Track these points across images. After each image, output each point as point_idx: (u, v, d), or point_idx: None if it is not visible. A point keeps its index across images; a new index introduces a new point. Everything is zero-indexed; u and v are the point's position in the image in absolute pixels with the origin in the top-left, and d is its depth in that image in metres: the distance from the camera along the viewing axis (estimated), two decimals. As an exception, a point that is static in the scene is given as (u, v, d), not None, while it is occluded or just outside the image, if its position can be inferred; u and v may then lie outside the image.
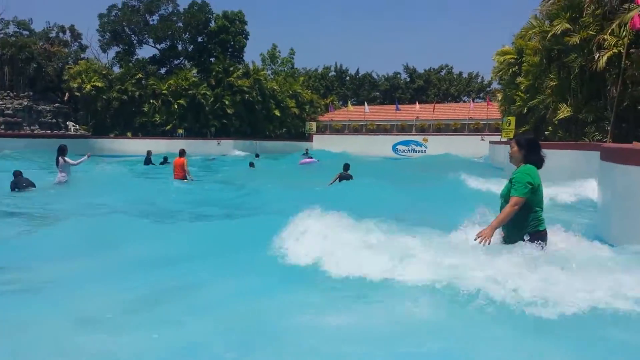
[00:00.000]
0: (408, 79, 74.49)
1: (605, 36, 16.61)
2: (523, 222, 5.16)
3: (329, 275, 5.58)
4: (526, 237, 5.09)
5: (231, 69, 48.78)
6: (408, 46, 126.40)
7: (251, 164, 24.71)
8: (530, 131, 25.76)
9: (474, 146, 44.02)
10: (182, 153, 18.00)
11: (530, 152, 5.35)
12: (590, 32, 17.67)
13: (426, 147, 47.92)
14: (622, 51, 15.49)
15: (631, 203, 7.03)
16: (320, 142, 51.75)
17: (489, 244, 5.04)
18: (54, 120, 43.21)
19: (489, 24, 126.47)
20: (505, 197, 5.29)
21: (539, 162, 5.34)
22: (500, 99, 35.23)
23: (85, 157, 15.51)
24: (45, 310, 4.81)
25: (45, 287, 5.59)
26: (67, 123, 44.11)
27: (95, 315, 4.67)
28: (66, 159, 14.75)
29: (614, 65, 16.60)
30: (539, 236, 5.15)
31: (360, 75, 76.75)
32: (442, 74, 73.39)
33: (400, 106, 53.98)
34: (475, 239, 5.07)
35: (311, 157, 29.83)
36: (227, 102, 47.25)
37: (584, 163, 13.82)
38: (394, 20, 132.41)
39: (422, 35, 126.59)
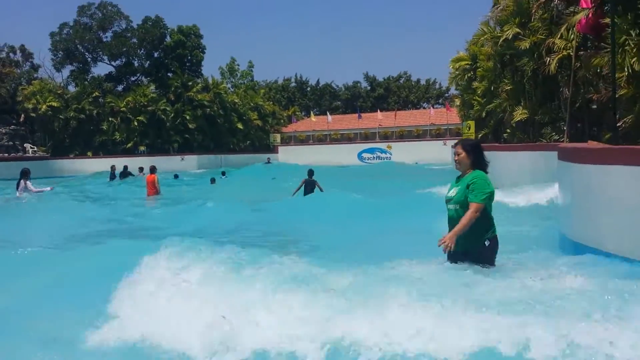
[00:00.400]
0: (369, 88, 75.27)
1: (554, 40, 17.09)
2: (482, 228, 5.15)
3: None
4: (487, 243, 5.16)
5: (190, 83, 48.49)
6: (367, 55, 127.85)
7: (212, 180, 24.50)
8: (489, 134, 26.35)
9: (436, 151, 44.72)
10: (153, 170, 18.58)
11: (478, 157, 5.33)
12: (540, 36, 18.17)
13: (391, 154, 48.49)
14: (571, 54, 15.95)
15: (590, 201, 7.26)
16: (285, 154, 51.75)
17: (452, 250, 5.01)
18: (11, 143, 42.13)
19: (443, 30, 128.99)
20: (462, 202, 5.21)
21: (486, 167, 5.35)
22: (458, 104, 35.87)
23: (48, 188, 15.11)
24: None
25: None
26: (25, 145, 43.05)
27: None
28: (28, 183, 14.35)
29: (565, 67, 17.09)
30: (496, 241, 5.29)
31: (320, 85, 77.18)
32: (401, 81, 74.38)
33: (362, 114, 54.55)
34: (439, 245, 5.04)
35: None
36: (188, 117, 46.89)
37: (542, 163, 14.21)
38: (352, 30, 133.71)
39: (380, 43, 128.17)
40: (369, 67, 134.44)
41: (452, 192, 5.40)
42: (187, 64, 52.57)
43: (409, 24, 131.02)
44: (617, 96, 11.42)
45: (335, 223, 11.11)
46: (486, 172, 5.33)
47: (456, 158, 5.41)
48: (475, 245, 5.17)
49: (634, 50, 11.58)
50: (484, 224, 5.17)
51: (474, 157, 5.32)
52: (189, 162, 44.00)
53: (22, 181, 14.32)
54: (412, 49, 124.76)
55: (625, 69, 11.83)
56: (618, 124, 11.35)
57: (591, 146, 8.37)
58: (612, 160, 6.62)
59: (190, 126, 46.97)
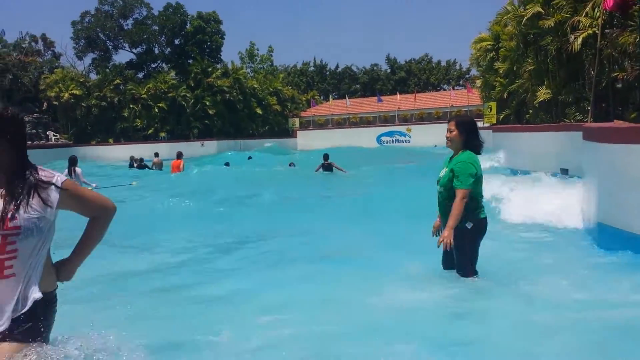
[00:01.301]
0: (389, 70, 74.64)
1: (579, 18, 16.74)
2: (465, 211, 4.91)
3: None
4: (469, 225, 4.97)
5: (210, 69, 48.49)
6: (389, 37, 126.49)
7: (227, 164, 24.34)
8: (511, 115, 26.00)
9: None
10: (180, 155, 20.65)
11: (471, 137, 5.08)
12: (565, 15, 17.81)
13: (410, 137, 48.09)
14: (597, 32, 15.62)
15: (614, 181, 7.13)
16: (305, 138, 51.68)
17: (453, 245, 4.85)
18: (34, 131, 42.67)
19: (463, 8, 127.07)
20: (445, 185, 5.05)
21: (479, 148, 5.13)
22: (479, 85, 35.39)
23: (94, 185, 14.63)
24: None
25: None
26: (47, 133, 43.62)
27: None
28: (78, 169, 13.53)
29: (590, 46, 16.75)
30: (480, 224, 5.07)
31: (340, 69, 76.76)
32: (423, 64, 73.57)
33: (382, 97, 54.06)
34: (439, 246, 4.87)
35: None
36: (207, 103, 46.99)
37: (567, 144, 13.99)
38: (373, 11, 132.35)
39: (401, 24, 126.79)
40: (391, 49, 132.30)
41: (441, 173, 5.20)
42: (207, 50, 52.52)
43: (430, 4, 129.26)
44: (643, 74, 11.15)
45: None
46: (479, 153, 5.13)
47: (448, 135, 5.17)
48: (458, 227, 4.93)
49: (662, 27, 11.29)
50: (469, 205, 4.95)
51: (466, 136, 5.08)
52: (209, 148, 44.23)
53: (72, 168, 13.63)
54: (433, 30, 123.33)
55: (653, 46, 11.55)
56: (644, 103, 11.11)
57: (617, 125, 8.21)
58: (638, 140, 6.49)
59: (210, 112, 47.05)
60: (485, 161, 19.73)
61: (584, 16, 16.60)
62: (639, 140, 6.53)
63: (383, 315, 4.48)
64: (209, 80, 47.55)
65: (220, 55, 54.19)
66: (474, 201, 5.02)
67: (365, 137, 48.58)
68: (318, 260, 6.80)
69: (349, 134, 50.25)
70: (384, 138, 49.57)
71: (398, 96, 52.86)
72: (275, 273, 6.35)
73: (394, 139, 49.11)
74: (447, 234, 4.82)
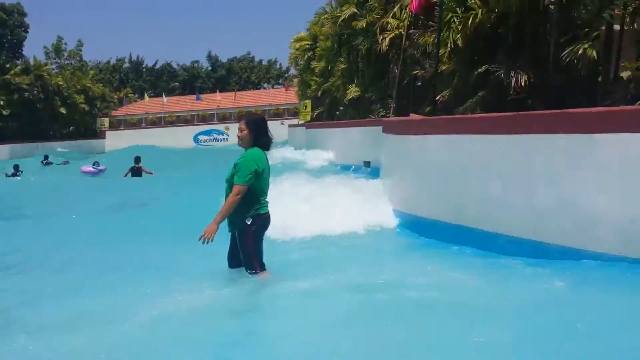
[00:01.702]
0: (210, 68, 73.35)
1: (388, 19, 17.52)
2: (245, 206, 4.99)
3: None
4: (248, 221, 5.02)
5: (7, 65, 43.75)
6: (211, 35, 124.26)
7: (15, 167, 21.67)
8: (324, 112, 26.72)
9: (274, 130, 44.43)
10: None
11: (259, 134, 5.20)
12: (376, 16, 18.60)
13: (228, 135, 47.60)
14: (402, 33, 16.44)
15: (408, 170, 7.35)
16: (114, 139, 48.39)
17: (212, 240, 4.82)
18: None
19: (286, 9, 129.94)
20: (229, 182, 5.09)
21: (267, 144, 5.25)
22: (297, 84, 36.11)
23: None
24: None
25: None
26: None
27: None
28: None
29: (397, 46, 17.60)
30: (261, 219, 5.11)
31: (158, 66, 73.60)
32: (244, 62, 73.52)
33: (201, 96, 53.06)
34: (200, 239, 4.79)
35: (97, 168, 22.39)
36: (2, 103, 42.03)
37: (371, 138, 14.50)
38: (196, 8, 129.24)
39: (225, 23, 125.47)
40: (213, 47, 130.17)
41: (228, 172, 5.27)
42: (7, 45, 47.56)
43: (254, 3, 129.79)
44: (439, 71, 11.80)
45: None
46: (267, 149, 5.27)
47: (239, 134, 5.24)
48: (238, 223, 5.06)
49: (459, 27, 11.96)
50: (249, 201, 5.02)
51: (255, 134, 5.20)
52: (1, 153, 39.20)
53: None
54: (256, 29, 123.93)
55: (448, 45, 12.22)
56: (437, 97, 11.75)
57: (411, 118, 8.42)
58: (428, 130, 6.68)
59: (4, 112, 42.14)
60: (299, 157, 20.10)
61: (392, 17, 17.41)
62: (430, 131, 6.66)
63: (158, 322, 4.20)
64: (6, 78, 42.68)
65: (22, 50, 49.47)
66: (254, 196, 5.06)
67: (182, 137, 47.18)
68: (91, 273, 6.25)
69: (164, 133, 48.25)
70: (201, 137, 48.62)
71: (218, 94, 52.18)
72: (34, 289, 5.71)
73: (211, 138, 48.43)
74: (210, 228, 4.82)
